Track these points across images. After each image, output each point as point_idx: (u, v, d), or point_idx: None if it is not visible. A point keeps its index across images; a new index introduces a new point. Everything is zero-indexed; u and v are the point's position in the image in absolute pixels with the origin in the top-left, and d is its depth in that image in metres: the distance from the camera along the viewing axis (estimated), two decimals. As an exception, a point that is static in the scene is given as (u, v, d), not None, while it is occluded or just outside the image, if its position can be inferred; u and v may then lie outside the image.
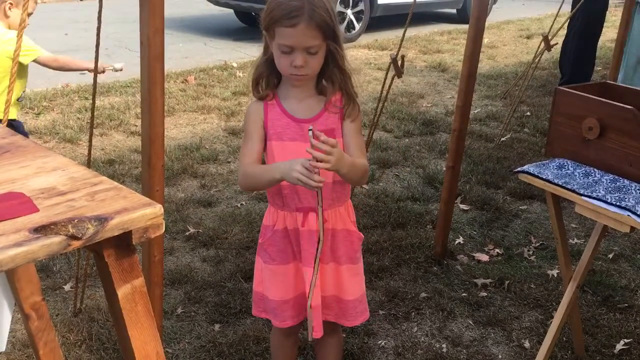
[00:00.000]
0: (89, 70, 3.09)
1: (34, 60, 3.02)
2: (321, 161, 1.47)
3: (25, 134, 3.23)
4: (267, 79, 1.70)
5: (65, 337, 2.38)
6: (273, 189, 1.74)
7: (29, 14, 2.94)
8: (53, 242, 0.81)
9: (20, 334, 2.34)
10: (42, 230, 0.82)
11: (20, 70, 2.97)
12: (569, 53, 5.61)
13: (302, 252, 1.75)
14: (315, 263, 1.62)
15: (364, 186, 3.78)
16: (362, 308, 1.88)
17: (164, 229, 0.94)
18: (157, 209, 0.91)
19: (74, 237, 0.83)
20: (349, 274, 1.82)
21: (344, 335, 2.40)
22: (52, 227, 0.83)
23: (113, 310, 0.98)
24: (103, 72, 3.13)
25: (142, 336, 0.98)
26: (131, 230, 0.89)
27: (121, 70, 3.46)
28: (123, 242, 0.91)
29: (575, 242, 3.20)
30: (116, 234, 0.87)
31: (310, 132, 1.47)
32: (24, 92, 3.14)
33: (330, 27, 1.59)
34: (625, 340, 2.45)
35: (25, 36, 2.95)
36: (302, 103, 1.69)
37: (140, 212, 0.89)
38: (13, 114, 3.05)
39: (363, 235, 1.88)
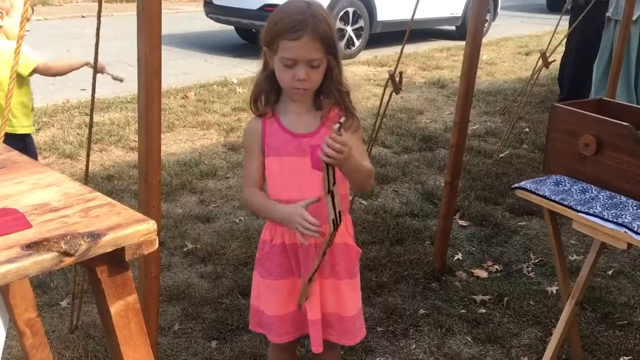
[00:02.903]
0: (89, 66, 2.98)
1: (34, 71, 2.90)
2: (331, 155, 1.47)
3: (35, 153, 3.17)
4: (267, 96, 1.71)
5: (61, 354, 2.37)
6: None
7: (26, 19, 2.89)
8: (45, 258, 0.81)
9: (16, 350, 2.33)
10: (34, 246, 0.82)
11: (23, 82, 2.92)
12: (568, 71, 5.65)
13: (302, 267, 1.75)
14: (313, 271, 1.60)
15: (363, 202, 3.78)
16: (360, 324, 1.87)
17: (157, 245, 0.94)
18: (151, 225, 0.91)
19: (66, 254, 0.83)
20: (348, 289, 1.82)
21: (342, 352, 2.38)
22: (45, 243, 0.83)
23: (106, 327, 0.97)
24: (102, 72, 2.94)
25: (135, 353, 0.98)
26: (124, 247, 0.88)
27: (121, 81, 3.26)
28: (116, 259, 0.91)
29: (575, 259, 3.19)
30: (109, 250, 0.87)
31: (338, 126, 1.46)
32: (32, 101, 3.05)
33: (332, 41, 1.61)
34: (625, 357, 2.44)
35: (24, 46, 2.90)
36: (300, 118, 1.70)
37: (133, 229, 0.89)
38: (30, 128, 3.01)
39: (361, 250, 1.88)
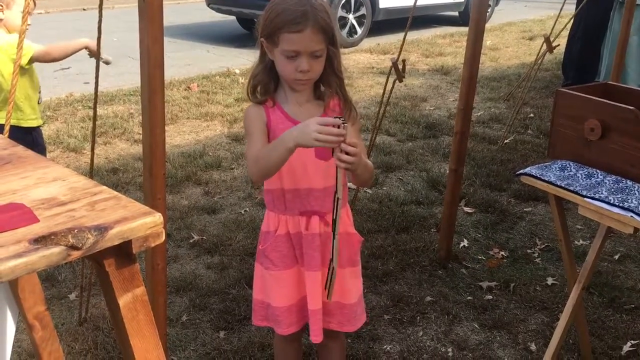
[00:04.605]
0: (87, 49, 2.96)
1: (31, 60, 2.85)
2: (346, 161, 1.45)
3: (43, 146, 3.17)
4: (266, 87, 1.70)
5: (71, 347, 2.39)
6: (275, 194, 1.74)
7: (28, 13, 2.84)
8: (53, 252, 0.81)
9: (26, 344, 2.35)
10: (42, 241, 0.82)
11: (24, 72, 2.86)
12: (573, 57, 5.61)
13: (305, 257, 1.75)
14: (333, 255, 1.59)
15: (368, 190, 3.77)
16: (361, 310, 1.89)
17: (164, 237, 0.94)
18: (157, 217, 0.91)
19: (73, 247, 0.83)
20: (350, 277, 1.83)
21: (349, 340, 2.40)
22: (52, 237, 0.83)
23: (114, 319, 0.98)
24: (94, 57, 2.93)
25: (144, 345, 0.98)
26: (131, 240, 0.89)
27: (108, 64, 3.26)
28: (123, 252, 0.91)
29: (581, 244, 3.19)
30: (116, 243, 0.87)
31: (343, 126, 1.42)
32: (40, 93, 3.03)
33: (332, 31, 1.61)
34: (632, 341, 2.44)
35: (16, 36, 2.75)
36: (302, 107, 1.70)
37: (139, 221, 0.89)
38: (37, 120, 3.00)
39: (363, 238, 1.88)
